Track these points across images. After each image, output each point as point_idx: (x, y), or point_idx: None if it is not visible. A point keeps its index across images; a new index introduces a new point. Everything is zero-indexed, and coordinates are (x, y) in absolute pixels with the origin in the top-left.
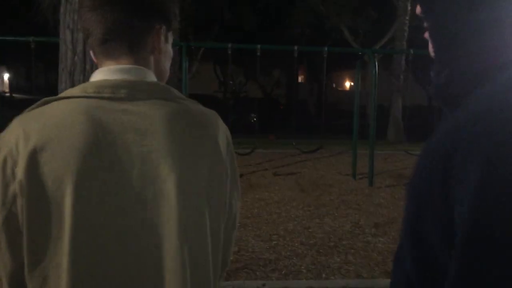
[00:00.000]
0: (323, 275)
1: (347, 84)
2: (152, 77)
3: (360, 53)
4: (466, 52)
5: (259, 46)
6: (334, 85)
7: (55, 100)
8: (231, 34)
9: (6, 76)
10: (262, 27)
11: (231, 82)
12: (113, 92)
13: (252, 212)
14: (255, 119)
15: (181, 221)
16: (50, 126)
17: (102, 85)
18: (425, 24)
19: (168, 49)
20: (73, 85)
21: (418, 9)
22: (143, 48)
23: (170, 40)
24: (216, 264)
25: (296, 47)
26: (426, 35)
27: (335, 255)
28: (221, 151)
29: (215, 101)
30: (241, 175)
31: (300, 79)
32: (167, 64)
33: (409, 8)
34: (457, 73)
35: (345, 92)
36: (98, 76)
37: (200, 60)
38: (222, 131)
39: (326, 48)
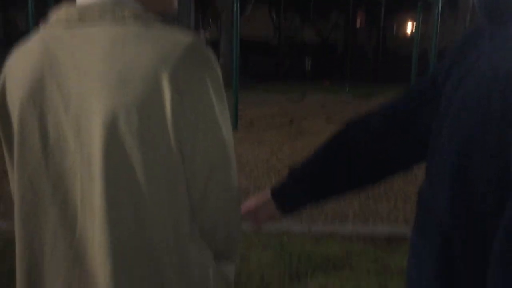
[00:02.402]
0: (370, 221)
1: (409, 29)
2: (127, 2)
3: None
4: None
5: None
6: (394, 30)
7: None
8: None
9: None
10: None
11: (286, 26)
12: (68, 18)
13: (301, 157)
14: (309, 64)
15: (106, 162)
16: (16, 57)
17: (62, 11)
18: None
19: None
20: None
21: None
22: None
23: None
24: (176, 218)
25: None
26: None
27: (384, 201)
28: (158, 84)
29: (269, 46)
30: (291, 121)
31: (358, 23)
32: None
33: None
34: None
35: (405, 38)
36: None
37: (254, 2)
38: (184, 61)
39: None
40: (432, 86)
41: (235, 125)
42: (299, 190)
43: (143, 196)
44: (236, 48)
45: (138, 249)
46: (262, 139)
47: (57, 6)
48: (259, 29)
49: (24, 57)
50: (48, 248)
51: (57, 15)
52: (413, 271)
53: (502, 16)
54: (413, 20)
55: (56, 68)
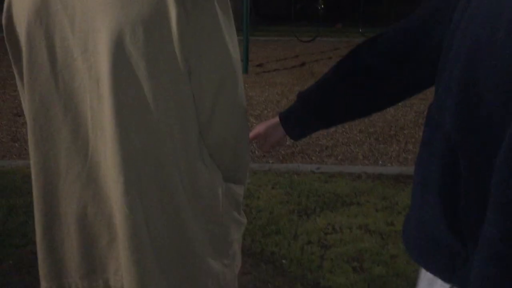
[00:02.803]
0: (380, 162)
1: None
2: None
3: None
4: None
5: None
6: None
7: None
8: None
9: None
10: None
11: None
12: None
13: None
14: (322, 6)
15: (114, 80)
16: None
17: None
18: None
19: None
20: None
21: None
22: None
23: None
24: (186, 137)
25: None
26: None
27: (394, 143)
28: (165, 5)
29: None
30: (303, 63)
31: None
32: None
33: None
34: None
35: None
36: None
37: None
38: None
39: None
40: (445, 1)
41: (245, 68)
42: (307, 114)
43: (151, 113)
44: None
45: (149, 168)
46: (272, 81)
47: None
48: None
49: None
50: (62, 169)
51: None
52: (417, 187)
53: None
54: None
55: None
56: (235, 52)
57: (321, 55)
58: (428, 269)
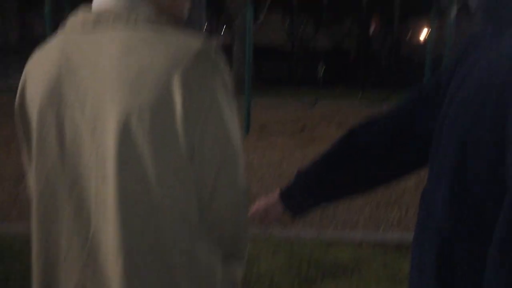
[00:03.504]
0: (381, 229)
1: (423, 36)
2: (136, 3)
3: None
4: None
5: None
6: (408, 37)
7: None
8: None
9: None
10: None
11: (299, 32)
12: (84, 22)
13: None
14: (322, 71)
15: (119, 162)
16: (35, 60)
17: (79, 16)
18: None
19: None
20: None
21: None
22: None
23: None
24: (185, 218)
25: None
26: None
27: (396, 209)
28: (170, 87)
29: (282, 52)
30: (304, 127)
31: (372, 29)
32: None
33: None
34: None
35: (420, 44)
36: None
37: (268, 9)
38: (195, 66)
39: None
40: (437, 87)
41: (247, 130)
42: (307, 192)
43: (154, 195)
44: (249, 54)
45: (149, 249)
46: (273, 144)
47: (73, 11)
48: (272, 35)
49: (43, 60)
50: (63, 248)
51: (74, 20)
52: (414, 271)
53: (502, 21)
54: (427, 25)
55: (73, 71)
56: (235, 132)
57: (322, 119)
58: None
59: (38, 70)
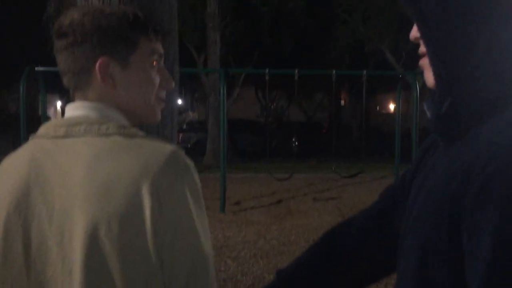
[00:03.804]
0: None
1: (392, 106)
2: (108, 112)
3: (400, 76)
4: (472, 79)
5: (296, 70)
6: (377, 108)
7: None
8: (271, 58)
9: (59, 104)
10: (302, 51)
11: (272, 106)
12: (55, 130)
13: (289, 239)
14: (296, 143)
15: (86, 273)
16: (4, 166)
17: (51, 124)
18: (422, 49)
19: (131, 79)
20: None
21: (414, 33)
22: (91, 82)
23: (141, 65)
24: None
25: (334, 71)
26: (422, 61)
27: (373, 285)
28: (139, 197)
29: (256, 125)
30: (279, 201)
31: (343, 102)
32: (138, 94)
33: None
34: (461, 103)
35: (389, 114)
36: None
37: (242, 85)
38: (164, 175)
39: (365, 72)
40: (402, 187)
41: (222, 208)
42: None
43: None
44: (223, 129)
45: None
46: (249, 220)
47: (48, 89)
48: (246, 109)
49: (13, 166)
50: None
51: (46, 127)
52: None
53: (457, 133)
54: (395, 99)
55: (42, 179)
56: (206, 241)
57: (297, 192)
58: None
59: (6, 177)
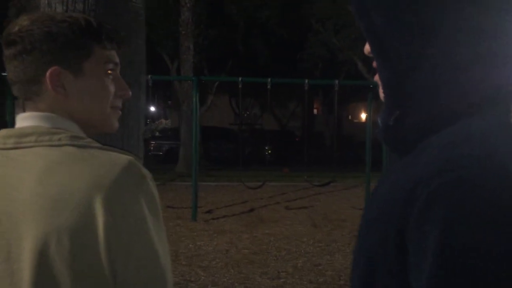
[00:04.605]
0: None
1: (363, 115)
2: (60, 122)
3: (371, 86)
4: (419, 94)
5: (269, 79)
6: (349, 117)
7: None
8: (245, 67)
9: None
10: (276, 60)
11: (246, 114)
12: (4, 142)
13: (261, 248)
14: (269, 151)
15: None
16: None
17: (4, 133)
18: (375, 63)
19: (85, 87)
20: None
21: (367, 46)
22: (42, 91)
23: (95, 73)
24: None
25: (306, 81)
26: (377, 76)
27: None
28: (92, 209)
29: (230, 133)
30: (251, 209)
31: (316, 111)
32: (92, 103)
33: None
34: (408, 116)
35: (361, 123)
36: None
37: (215, 93)
38: (118, 186)
39: (337, 81)
40: None
41: (194, 217)
42: None
43: None
44: (195, 137)
45: None
46: (221, 229)
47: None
48: (220, 117)
49: None
50: None
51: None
52: None
53: (405, 146)
54: (366, 108)
55: None
56: (164, 256)
57: (269, 200)
58: None
59: None
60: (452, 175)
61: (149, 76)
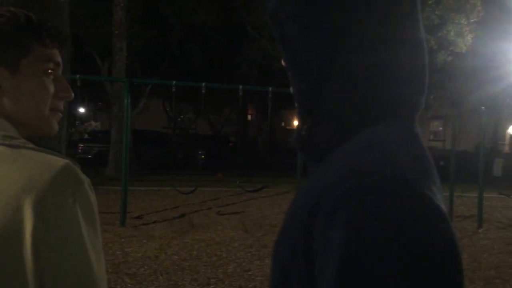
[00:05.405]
0: None
1: (296, 122)
2: None
3: None
4: (330, 103)
5: (203, 84)
6: (283, 124)
7: None
8: (179, 70)
9: None
10: (212, 65)
11: (179, 118)
12: None
13: (191, 254)
14: (202, 156)
15: None
16: None
17: None
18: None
19: (21, 86)
20: None
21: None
22: None
23: (33, 71)
24: None
25: (240, 86)
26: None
27: None
28: (19, 213)
29: (162, 137)
30: (183, 215)
31: (250, 117)
32: (30, 103)
33: None
34: (319, 126)
35: (293, 130)
36: None
37: (148, 95)
38: (51, 190)
39: (270, 88)
40: None
41: (122, 222)
42: None
43: None
44: (126, 140)
45: None
46: (151, 234)
47: None
48: (153, 120)
49: None
50: None
51: None
52: None
53: (318, 154)
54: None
55: None
56: (98, 266)
57: (201, 206)
58: None
59: None
60: (355, 182)
61: (78, 76)
